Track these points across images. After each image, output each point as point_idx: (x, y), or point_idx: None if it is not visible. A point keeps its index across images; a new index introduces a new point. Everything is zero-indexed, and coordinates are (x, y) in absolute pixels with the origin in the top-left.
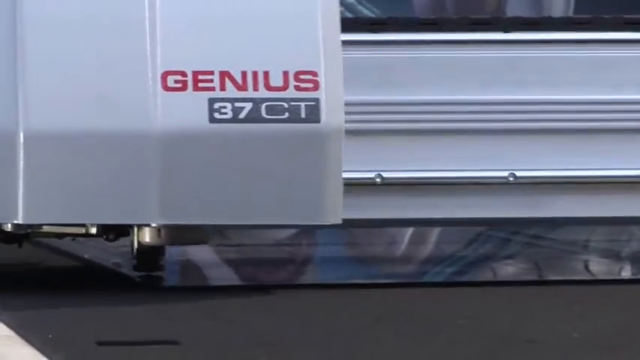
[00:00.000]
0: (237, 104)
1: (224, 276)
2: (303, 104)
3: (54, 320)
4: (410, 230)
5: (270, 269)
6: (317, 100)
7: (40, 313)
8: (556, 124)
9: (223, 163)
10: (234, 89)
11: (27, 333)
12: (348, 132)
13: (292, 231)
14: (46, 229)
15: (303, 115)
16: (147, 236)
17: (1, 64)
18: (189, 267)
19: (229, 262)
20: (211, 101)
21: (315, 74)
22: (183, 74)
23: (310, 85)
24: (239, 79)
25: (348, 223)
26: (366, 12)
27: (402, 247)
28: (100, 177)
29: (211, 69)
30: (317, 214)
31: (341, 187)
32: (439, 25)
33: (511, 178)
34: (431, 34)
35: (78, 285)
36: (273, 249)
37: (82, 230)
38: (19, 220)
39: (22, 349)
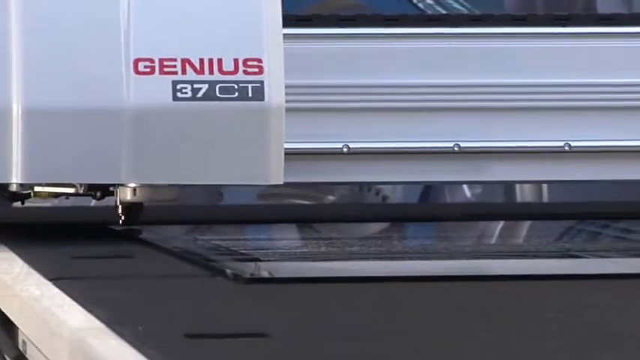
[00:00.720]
0: (195, 85)
1: (310, 269)
2: (250, 85)
3: (143, 313)
4: (499, 224)
5: (356, 262)
6: (262, 82)
7: (129, 306)
8: (493, 103)
9: (184, 134)
10: (194, 73)
11: (117, 325)
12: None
13: (381, 225)
14: (46, 188)
15: (250, 95)
16: (127, 194)
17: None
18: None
19: (316, 256)
20: (174, 83)
21: (260, 61)
22: (151, 60)
23: (256, 70)
24: (197, 65)
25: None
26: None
27: (490, 241)
28: (84, 145)
29: (174, 56)
30: (262, 175)
31: (282, 154)
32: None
33: (456, 148)
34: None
35: (166, 278)
36: (360, 242)
37: (73, 190)
38: (19, 180)
39: (111, 342)
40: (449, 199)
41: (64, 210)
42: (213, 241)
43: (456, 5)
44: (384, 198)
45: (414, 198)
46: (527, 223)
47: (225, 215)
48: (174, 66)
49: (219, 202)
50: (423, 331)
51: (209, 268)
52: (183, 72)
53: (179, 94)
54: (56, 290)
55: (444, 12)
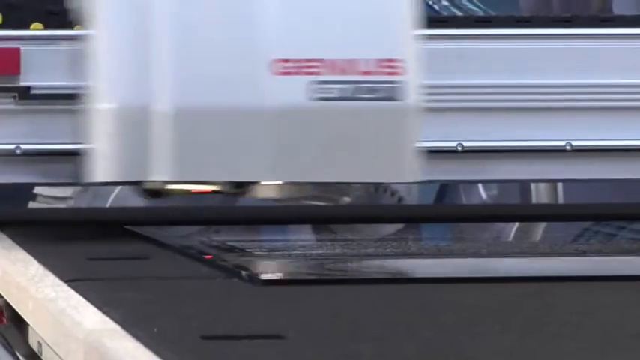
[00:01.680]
0: (335, 85)
1: (326, 270)
2: (389, 86)
3: (159, 314)
4: (515, 225)
5: (373, 264)
6: (400, 82)
7: (145, 307)
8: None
9: (323, 133)
10: (332, 73)
11: (132, 327)
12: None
13: (397, 227)
14: (181, 187)
15: (388, 95)
16: (265, 192)
17: (145, 53)
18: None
19: (332, 257)
20: (313, 83)
21: (398, 61)
22: (290, 61)
23: (395, 70)
24: (337, 65)
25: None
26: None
27: (506, 242)
28: (227, 144)
29: (313, 57)
30: (400, 174)
31: (419, 153)
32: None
33: (459, 148)
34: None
35: (182, 279)
36: (375, 243)
37: (210, 187)
38: (163, 178)
39: (127, 343)
40: (464, 199)
41: (79, 210)
42: (228, 242)
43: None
44: (400, 199)
45: (429, 199)
46: (542, 225)
47: (240, 216)
48: (314, 66)
49: (232, 202)
50: (439, 333)
51: (225, 270)
52: (322, 72)
53: (318, 94)
54: (72, 292)
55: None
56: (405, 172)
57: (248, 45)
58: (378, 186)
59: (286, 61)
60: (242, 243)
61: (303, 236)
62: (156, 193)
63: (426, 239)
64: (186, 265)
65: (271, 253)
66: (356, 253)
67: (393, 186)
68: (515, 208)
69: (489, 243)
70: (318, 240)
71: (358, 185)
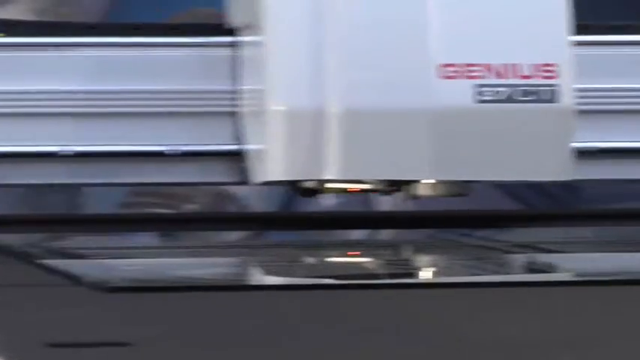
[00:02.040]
0: (497, 89)
1: (170, 277)
2: (546, 89)
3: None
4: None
5: (220, 271)
6: (557, 85)
7: None
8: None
9: (485, 134)
10: (495, 77)
11: None
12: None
13: (246, 233)
14: (338, 185)
15: (546, 97)
16: (426, 189)
17: (316, 56)
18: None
19: (177, 264)
20: (477, 87)
21: (555, 65)
22: (456, 65)
23: (552, 74)
24: (499, 69)
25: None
26: None
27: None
28: (392, 144)
29: (477, 62)
30: (556, 172)
31: (571, 153)
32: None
33: None
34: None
35: (23, 286)
36: (221, 251)
37: (369, 186)
38: (334, 176)
39: None
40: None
41: None
42: (72, 248)
43: None
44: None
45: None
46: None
47: (83, 221)
48: (478, 70)
49: (76, 208)
50: (274, 340)
51: (68, 276)
52: (486, 76)
53: (481, 97)
54: None
55: None
56: (561, 170)
57: (415, 49)
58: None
59: (452, 65)
60: (86, 249)
61: (148, 243)
62: (312, 191)
63: (275, 246)
64: (27, 272)
65: (117, 259)
66: (204, 261)
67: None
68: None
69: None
70: (163, 248)
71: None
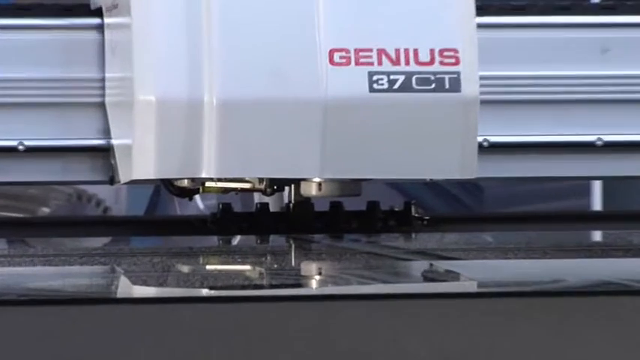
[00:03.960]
0: (392, 77)
1: (29, 289)
2: (446, 77)
3: None
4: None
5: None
6: (458, 73)
7: None
8: None
9: (379, 126)
10: (390, 64)
11: None
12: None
13: (103, 240)
14: (218, 183)
15: (446, 86)
16: (312, 189)
17: (191, 41)
18: None
19: (35, 275)
20: (370, 74)
21: (456, 51)
22: (347, 51)
23: (452, 61)
24: (393, 56)
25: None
26: None
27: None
28: (278, 138)
29: (370, 47)
30: (456, 170)
31: (476, 148)
32: None
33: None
34: None
35: None
36: (81, 259)
37: (249, 185)
38: (212, 175)
39: None
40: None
41: None
42: None
43: None
44: (106, 209)
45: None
46: None
47: None
48: (370, 56)
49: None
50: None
51: None
52: (379, 63)
53: (375, 86)
54: None
55: None
56: (463, 167)
57: (303, 33)
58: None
59: (343, 50)
60: None
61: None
62: (188, 192)
63: (143, 253)
64: None
65: None
66: (60, 271)
67: (99, 195)
68: None
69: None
70: (15, 256)
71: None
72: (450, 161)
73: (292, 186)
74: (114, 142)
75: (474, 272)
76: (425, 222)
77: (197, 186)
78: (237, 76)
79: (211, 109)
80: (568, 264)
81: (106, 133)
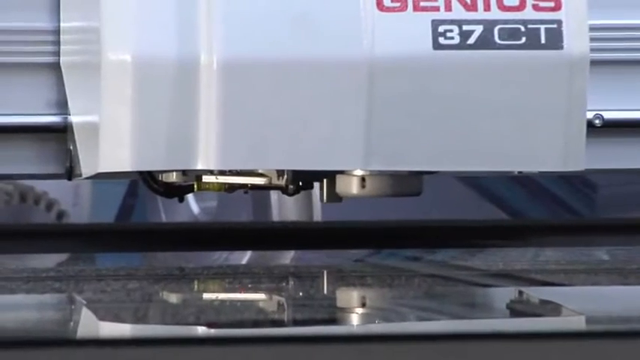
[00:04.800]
0: (465, 27)
1: None
2: (542, 27)
3: None
4: None
5: None
6: (559, 22)
7: None
8: None
9: (447, 97)
10: (462, 9)
11: None
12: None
13: None
14: (220, 178)
15: (543, 41)
16: (352, 187)
17: None
18: None
19: None
20: (435, 23)
21: None
22: None
23: (551, 4)
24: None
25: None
26: None
27: None
28: (301, 113)
29: None
30: (558, 159)
31: (584, 128)
32: None
33: None
34: None
35: None
36: None
37: (263, 181)
38: (211, 166)
39: None
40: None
41: None
42: None
43: None
44: (61, 215)
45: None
46: None
47: None
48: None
49: None
50: None
51: None
52: (448, 8)
53: (442, 40)
54: None
55: None
56: (566, 155)
57: None
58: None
59: None
60: None
61: None
62: (177, 189)
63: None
64: None
65: None
66: None
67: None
68: None
69: None
70: None
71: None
72: (547, 147)
73: (324, 182)
74: (73, 119)
75: (581, 303)
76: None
77: (190, 182)
78: (246, 27)
79: (211, 72)
80: None
81: (61, 106)
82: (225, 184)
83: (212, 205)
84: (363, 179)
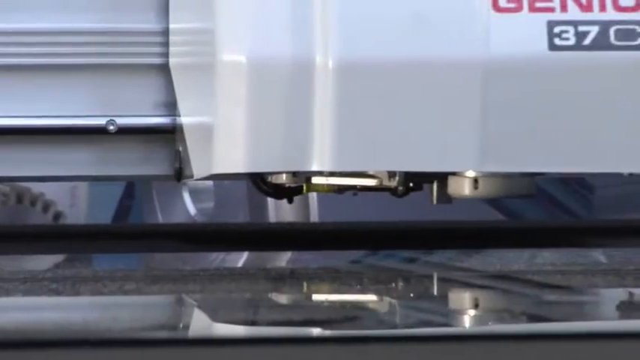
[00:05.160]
0: (580, 28)
1: None
2: None
3: None
4: None
5: None
6: None
7: None
8: None
9: (564, 98)
10: (578, 10)
11: None
12: None
13: None
14: (330, 179)
15: None
16: (464, 187)
17: None
18: None
19: None
20: (551, 24)
21: None
22: None
23: None
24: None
25: None
26: None
27: None
28: (415, 114)
29: None
30: None
31: None
32: None
33: None
34: None
35: None
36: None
37: (373, 182)
38: (326, 167)
39: None
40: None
41: None
42: None
43: None
44: (57, 216)
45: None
46: None
47: None
48: (550, 0)
49: None
50: None
51: None
52: (564, 8)
53: (557, 41)
54: None
55: None
56: None
57: None
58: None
59: None
60: None
61: None
62: (286, 190)
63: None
64: None
65: None
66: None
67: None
68: None
69: None
70: None
71: None
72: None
73: (435, 183)
74: (183, 120)
75: (579, 304)
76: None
77: (300, 183)
78: (362, 28)
79: (326, 74)
80: None
81: (170, 107)
82: (334, 185)
83: (209, 207)
84: (475, 180)
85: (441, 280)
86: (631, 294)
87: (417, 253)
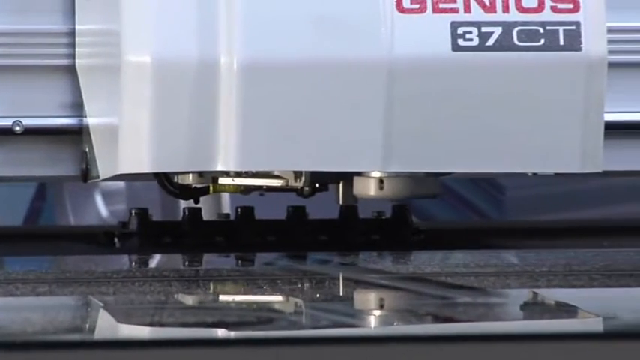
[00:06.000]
0: (484, 29)
1: None
2: (561, 29)
3: None
4: None
5: None
6: (577, 24)
7: None
8: None
9: (467, 98)
10: (481, 11)
11: None
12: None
13: None
14: (236, 180)
15: (561, 43)
16: (370, 188)
17: None
18: None
19: None
20: (454, 25)
21: None
22: None
23: (569, 6)
24: (488, 1)
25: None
26: None
27: None
28: (320, 115)
29: None
30: (575, 160)
31: (602, 130)
32: None
33: None
34: None
35: None
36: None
37: (279, 183)
38: (230, 167)
39: None
40: None
41: None
42: None
43: None
44: None
45: None
46: None
47: None
48: (454, 1)
49: None
50: None
51: None
52: (467, 10)
53: (461, 42)
54: None
55: None
56: (584, 157)
57: None
58: None
59: None
60: None
61: None
62: (192, 191)
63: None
64: None
65: None
66: None
67: None
68: None
69: None
70: None
71: None
72: (565, 149)
73: (341, 184)
74: (90, 121)
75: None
76: (422, 235)
77: (206, 183)
78: (266, 28)
79: (231, 74)
80: (620, 294)
81: (77, 108)
82: (240, 186)
83: (121, 209)
84: (381, 181)
85: (352, 281)
86: (535, 294)
87: (330, 255)
